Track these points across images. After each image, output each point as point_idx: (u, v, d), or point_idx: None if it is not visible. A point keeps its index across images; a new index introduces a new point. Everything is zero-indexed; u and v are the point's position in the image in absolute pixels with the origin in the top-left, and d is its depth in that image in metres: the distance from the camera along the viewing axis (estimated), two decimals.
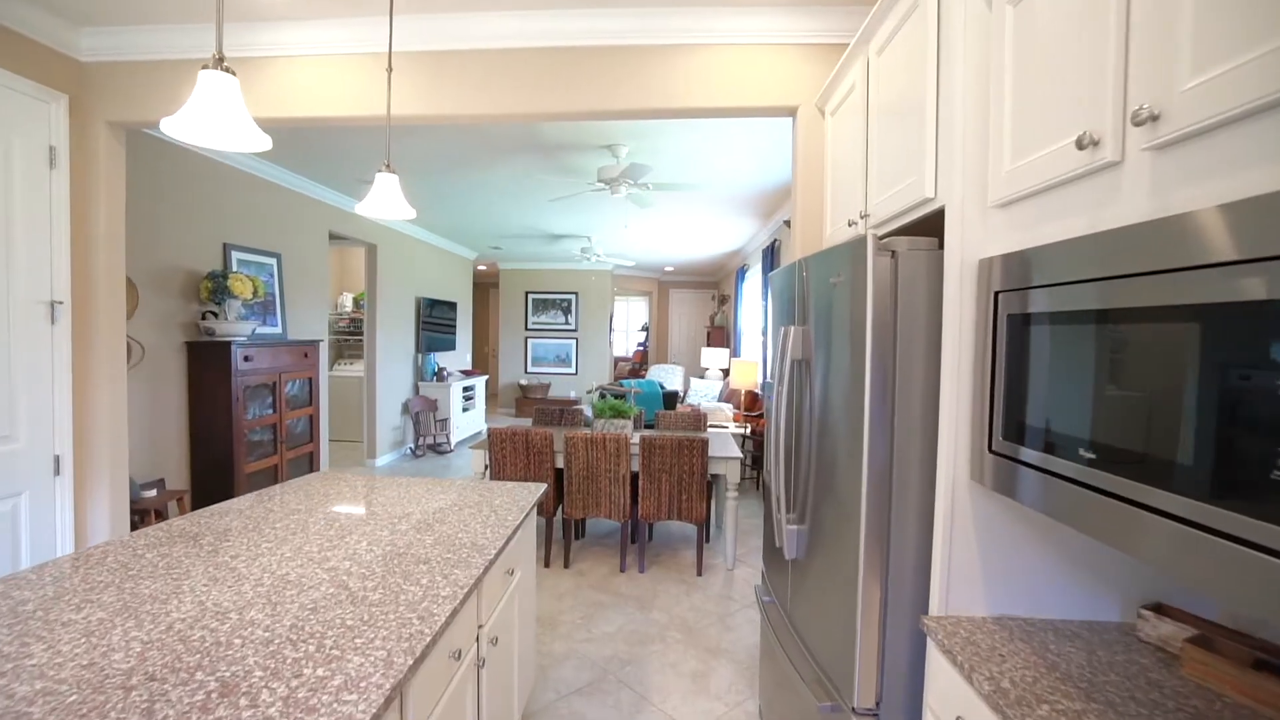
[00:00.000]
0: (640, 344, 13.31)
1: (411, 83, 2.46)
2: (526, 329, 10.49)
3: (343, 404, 7.37)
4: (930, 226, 1.42)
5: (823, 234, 2.24)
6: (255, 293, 3.94)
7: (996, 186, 1.18)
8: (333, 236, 5.57)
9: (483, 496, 2.12)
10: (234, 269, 4.13)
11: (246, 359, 3.86)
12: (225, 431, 3.78)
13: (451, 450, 7.07)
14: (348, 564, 1.48)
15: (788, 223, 3.95)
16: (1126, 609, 1.22)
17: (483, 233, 7.30)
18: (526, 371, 10.51)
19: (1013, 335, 1.10)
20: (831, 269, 1.50)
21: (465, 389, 7.64)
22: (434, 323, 7.51)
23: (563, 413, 4.72)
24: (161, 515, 3.24)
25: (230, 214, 4.16)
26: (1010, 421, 1.11)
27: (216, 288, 3.74)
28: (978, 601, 1.26)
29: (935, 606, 1.27)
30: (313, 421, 4.61)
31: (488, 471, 3.86)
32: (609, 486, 3.68)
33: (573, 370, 10.49)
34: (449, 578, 1.42)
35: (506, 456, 3.77)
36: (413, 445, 6.94)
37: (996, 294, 1.15)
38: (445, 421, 7.08)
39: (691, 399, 7.89)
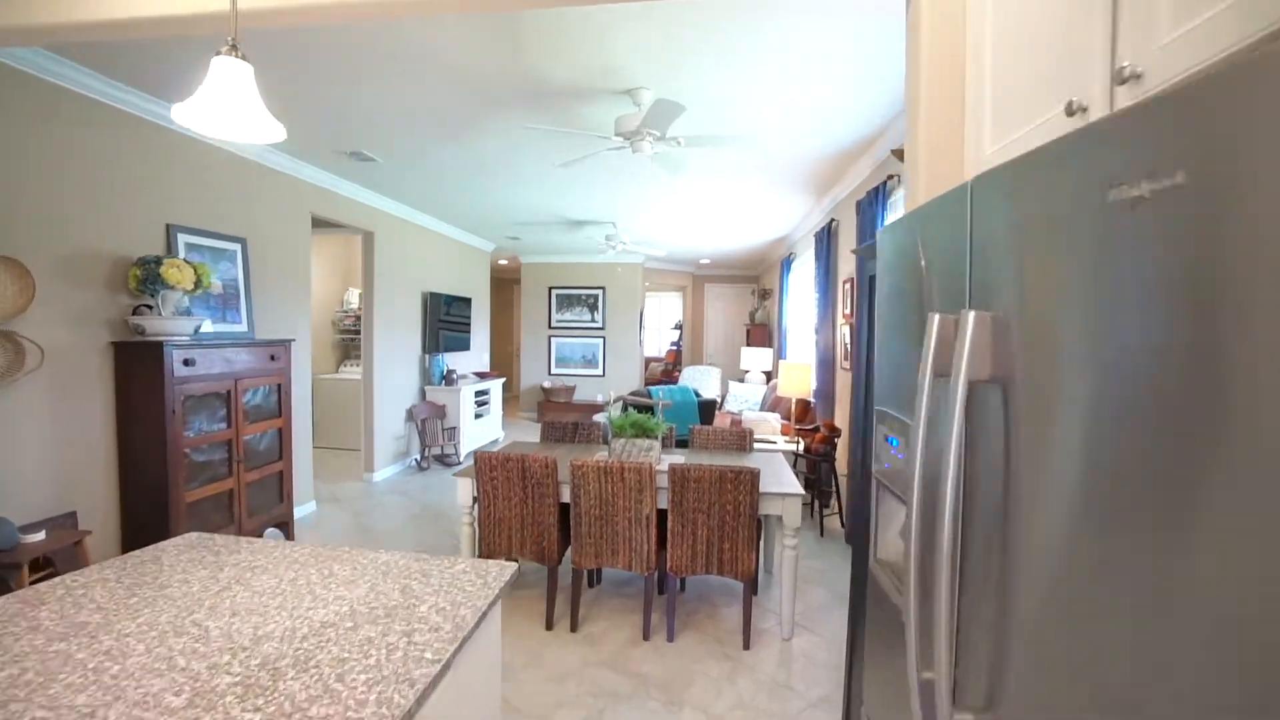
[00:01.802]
0: (674, 343, 12.45)
1: None
2: (550, 327, 9.74)
3: (345, 410, 6.74)
4: None
5: (965, 158, 1.34)
6: (199, 282, 3.23)
7: None
8: (317, 221, 4.88)
9: (405, 597, 1.30)
10: (180, 255, 3.43)
11: (187, 363, 3.15)
12: (158, 452, 3.08)
13: (460, 463, 6.34)
14: None
15: (897, 154, 3.01)
16: None
17: (495, 219, 6.55)
18: (550, 373, 9.77)
19: None
20: (1121, 170, 0.62)
21: (478, 393, 6.91)
22: (445, 321, 6.81)
23: (576, 428, 3.89)
24: (52, 565, 2.53)
25: (178, 189, 3.47)
26: None
27: (147, 276, 3.04)
28: None
29: None
30: (283, 436, 3.90)
31: (476, 506, 3.07)
32: (629, 529, 2.83)
33: (599, 371, 9.70)
34: None
35: (498, 489, 2.96)
36: (418, 457, 6.23)
37: None
38: (454, 430, 6.36)
39: (730, 406, 6.99)
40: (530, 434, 8.20)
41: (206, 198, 3.66)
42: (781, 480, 2.96)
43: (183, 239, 3.47)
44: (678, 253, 8.95)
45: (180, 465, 3.13)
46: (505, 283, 12.79)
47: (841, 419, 4.72)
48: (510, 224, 6.81)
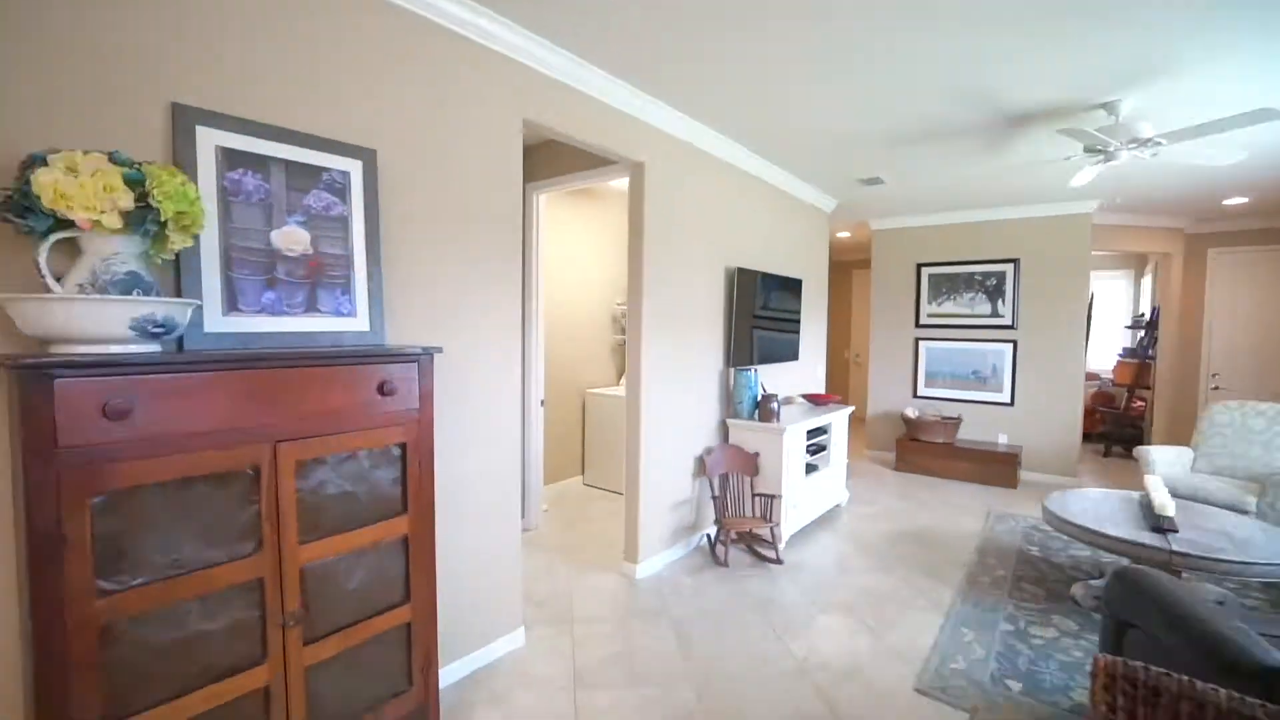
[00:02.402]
0: (1127, 350, 7.62)
1: None
2: (917, 325, 6.44)
3: (622, 438, 4.82)
4: None
5: None
6: (148, 211, 1.33)
7: None
8: (535, 128, 2.87)
9: None
10: (205, 171, 1.63)
11: (110, 412, 1.26)
12: (49, 617, 1.24)
13: (779, 559, 3.70)
14: None
15: None
16: None
17: (849, 131, 3.74)
18: (916, 394, 6.47)
19: None
20: None
21: (811, 434, 4.22)
22: (762, 316, 4.32)
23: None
24: None
25: (203, 41, 1.69)
26: None
27: (15, 193, 1.24)
28: None
29: None
30: (409, 550, 1.87)
31: None
32: None
33: (1003, 396, 5.99)
34: None
35: None
36: (711, 535, 3.86)
37: None
38: (773, 501, 3.77)
39: None
40: (886, 493, 5.11)
41: (276, 67, 1.83)
42: None
43: (210, 136, 1.66)
44: (1186, 179, 4.70)
45: (78, 660, 1.25)
46: (840, 266, 9.81)
47: None
48: (875, 142, 3.91)
